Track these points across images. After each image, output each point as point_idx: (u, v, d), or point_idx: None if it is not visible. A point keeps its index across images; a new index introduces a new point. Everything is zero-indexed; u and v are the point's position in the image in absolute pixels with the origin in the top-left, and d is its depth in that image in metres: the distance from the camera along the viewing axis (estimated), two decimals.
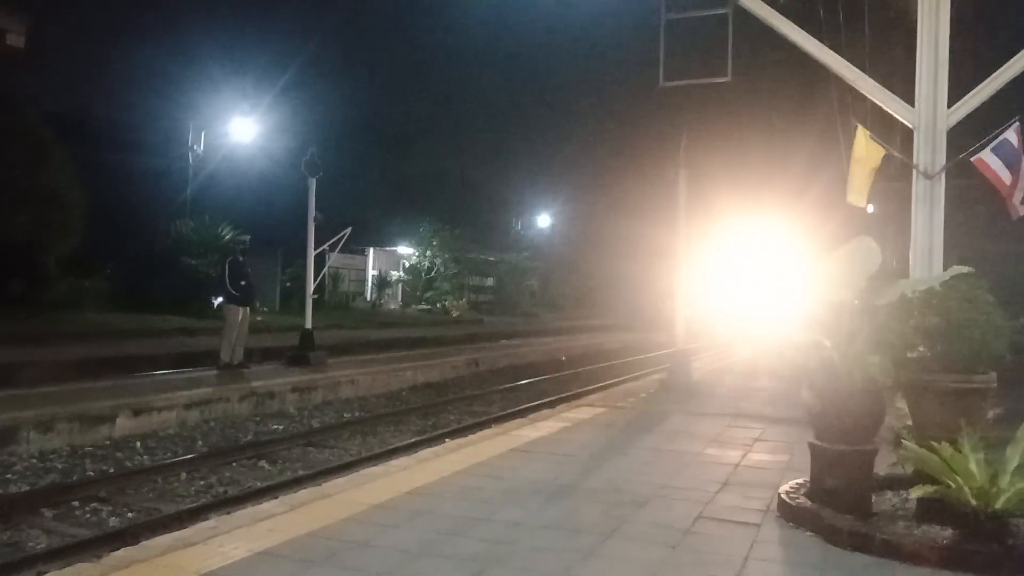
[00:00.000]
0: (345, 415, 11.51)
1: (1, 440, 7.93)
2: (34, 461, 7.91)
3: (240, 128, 27.29)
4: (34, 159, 19.28)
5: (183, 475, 7.78)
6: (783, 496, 4.95)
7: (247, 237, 13.97)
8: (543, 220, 51.01)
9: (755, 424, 8.62)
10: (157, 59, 51.57)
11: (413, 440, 9.74)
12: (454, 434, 9.85)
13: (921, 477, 4.38)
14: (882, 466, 5.04)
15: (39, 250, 19.55)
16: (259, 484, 7.56)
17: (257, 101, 28.81)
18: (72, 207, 20.13)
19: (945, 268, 5.65)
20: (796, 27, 7.24)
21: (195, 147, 26.60)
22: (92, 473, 7.73)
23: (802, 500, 4.81)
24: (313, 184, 14.39)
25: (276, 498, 5.71)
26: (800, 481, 5.13)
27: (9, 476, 7.40)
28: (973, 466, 4.17)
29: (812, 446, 4.88)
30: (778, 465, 6.44)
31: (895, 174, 11.55)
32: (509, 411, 11.99)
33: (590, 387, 14.44)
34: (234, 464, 8.34)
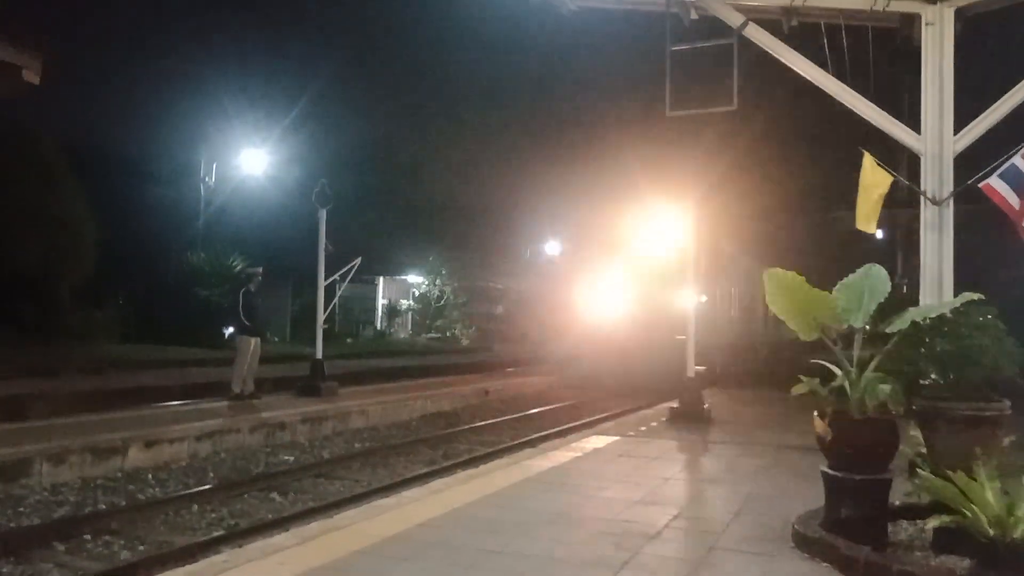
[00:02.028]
0: (356, 445, 11.48)
1: (14, 473, 7.94)
2: (46, 494, 7.91)
3: (251, 159, 27.57)
4: (48, 189, 19.51)
5: (194, 507, 7.77)
6: (797, 526, 4.90)
7: (260, 268, 13.93)
8: (552, 247, 50.99)
9: (768, 452, 8.57)
10: (170, 92, 52.33)
11: (424, 471, 9.70)
12: (465, 465, 9.81)
13: (937, 506, 4.34)
14: (897, 495, 5.00)
15: (52, 280, 19.73)
16: (270, 516, 7.54)
17: (268, 133, 29.14)
18: (85, 237, 20.34)
19: (955, 294, 5.64)
20: (801, 56, 7.31)
21: (207, 178, 26.86)
22: (104, 506, 7.72)
23: (817, 530, 4.77)
24: (323, 215, 14.47)
25: (287, 530, 5.70)
26: (814, 510, 5.08)
27: (21, 509, 7.40)
28: (989, 495, 4.14)
29: (826, 475, 4.85)
30: (791, 494, 6.39)
31: (903, 199, 11.55)
32: (520, 441, 11.95)
33: (601, 415, 14.36)
34: (245, 496, 8.32)
